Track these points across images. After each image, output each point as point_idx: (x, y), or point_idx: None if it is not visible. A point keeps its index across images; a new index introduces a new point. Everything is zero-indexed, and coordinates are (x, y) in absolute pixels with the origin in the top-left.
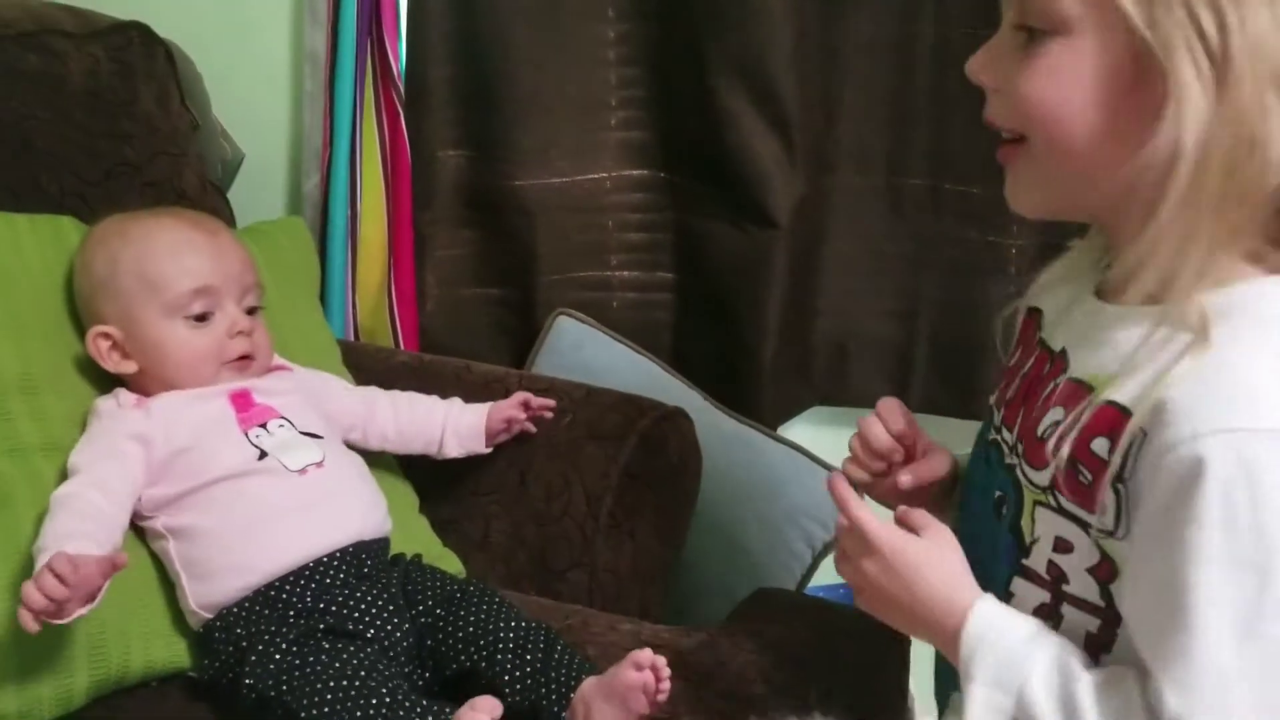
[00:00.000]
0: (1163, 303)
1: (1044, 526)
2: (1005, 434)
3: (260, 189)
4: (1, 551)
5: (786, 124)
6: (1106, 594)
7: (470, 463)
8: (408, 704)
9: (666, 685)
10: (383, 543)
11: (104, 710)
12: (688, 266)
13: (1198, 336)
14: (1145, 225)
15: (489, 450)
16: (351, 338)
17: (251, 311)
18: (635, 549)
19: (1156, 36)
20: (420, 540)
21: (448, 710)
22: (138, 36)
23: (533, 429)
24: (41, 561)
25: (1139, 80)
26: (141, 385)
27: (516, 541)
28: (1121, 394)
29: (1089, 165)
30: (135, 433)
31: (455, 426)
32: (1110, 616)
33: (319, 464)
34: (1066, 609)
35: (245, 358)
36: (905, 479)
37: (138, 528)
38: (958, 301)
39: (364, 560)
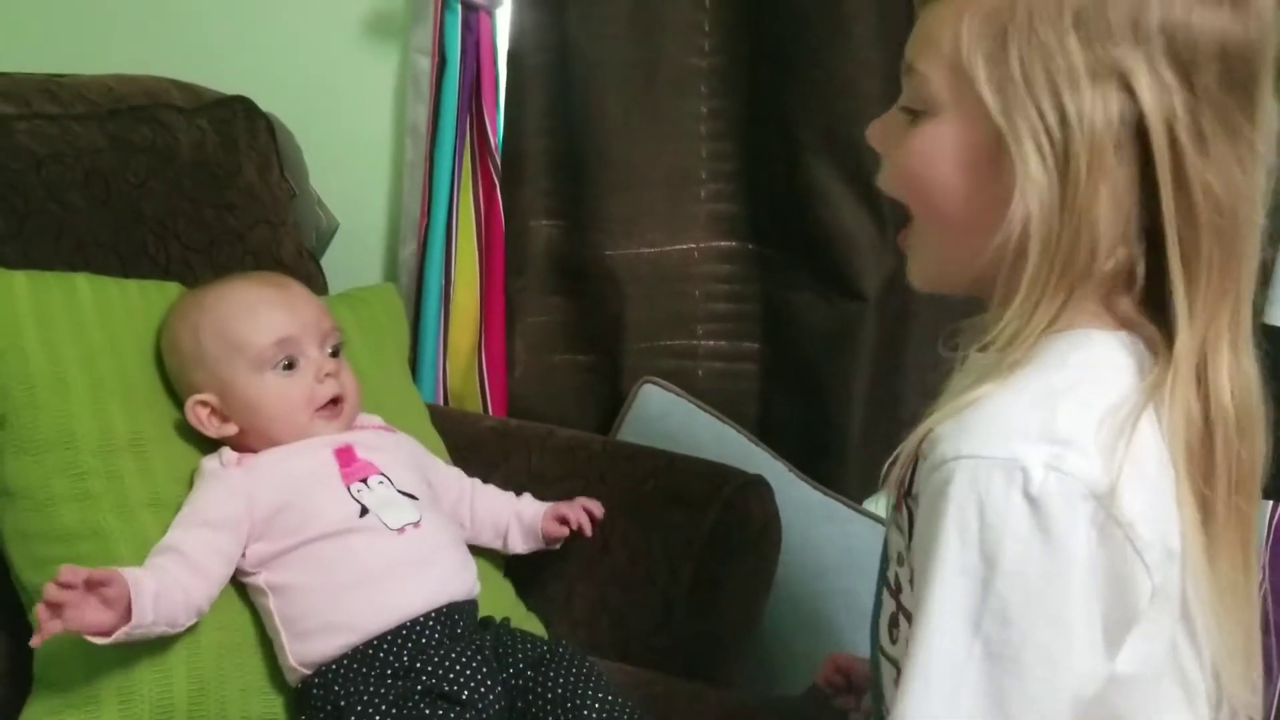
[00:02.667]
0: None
1: (894, 541)
2: None
3: (358, 256)
4: None
5: (877, 198)
6: None
7: None
8: None
9: None
10: (472, 604)
11: None
12: (774, 337)
13: (994, 376)
14: (1010, 292)
15: (555, 547)
16: (441, 402)
17: (335, 354)
18: (718, 616)
19: (1009, 125)
20: (505, 603)
21: None
22: (242, 110)
23: (588, 532)
24: None
25: (996, 161)
26: (245, 444)
27: (599, 606)
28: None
29: (960, 236)
30: (236, 491)
31: (518, 523)
32: None
33: (416, 524)
34: (902, 619)
35: (337, 400)
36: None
37: (239, 584)
38: None
39: (456, 621)
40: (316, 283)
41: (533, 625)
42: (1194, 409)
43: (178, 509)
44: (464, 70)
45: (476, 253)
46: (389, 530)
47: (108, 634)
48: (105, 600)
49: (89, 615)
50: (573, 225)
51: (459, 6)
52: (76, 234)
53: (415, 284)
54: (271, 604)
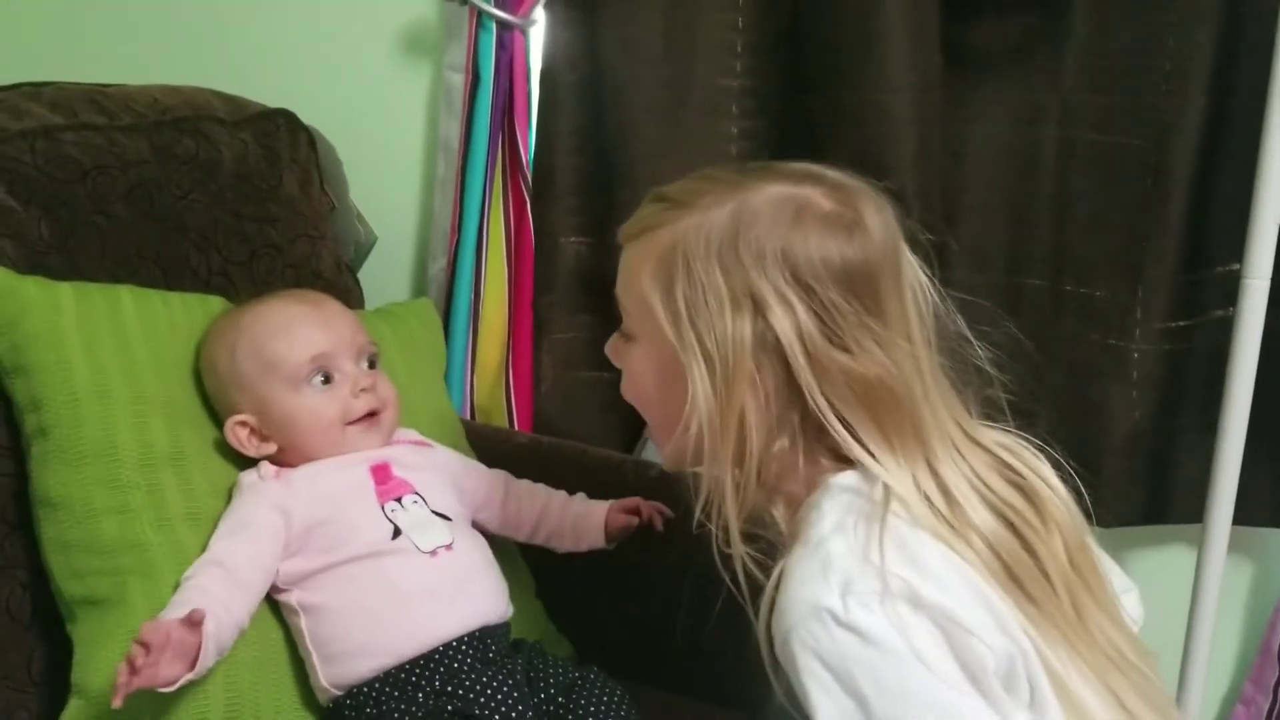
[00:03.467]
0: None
1: None
2: None
3: (388, 270)
4: (148, 619)
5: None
6: None
7: None
8: None
9: None
10: (505, 627)
11: None
12: None
13: (782, 557)
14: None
15: (611, 546)
16: (468, 416)
17: (371, 366)
18: (750, 642)
19: (682, 349)
20: (536, 625)
21: None
22: (284, 123)
23: (659, 525)
24: None
25: (680, 375)
26: (284, 462)
27: (629, 628)
28: None
29: (672, 434)
30: (274, 504)
31: (574, 522)
32: None
33: (448, 547)
34: None
35: (373, 413)
36: None
37: (273, 601)
38: (1076, 405)
39: (489, 645)
40: (354, 296)
41: (562, 648)
42: (940, 520)
43: (215, 523)
44: (497, 88)
45: (506, 268)
46: (421, 553)
47: (174, 684)
48: (180, 653)
49: (164, 670)
50: (601, 243)
51: (493, 25)
52: (120, 245)
53: (445, 299)
54: (303, 624)
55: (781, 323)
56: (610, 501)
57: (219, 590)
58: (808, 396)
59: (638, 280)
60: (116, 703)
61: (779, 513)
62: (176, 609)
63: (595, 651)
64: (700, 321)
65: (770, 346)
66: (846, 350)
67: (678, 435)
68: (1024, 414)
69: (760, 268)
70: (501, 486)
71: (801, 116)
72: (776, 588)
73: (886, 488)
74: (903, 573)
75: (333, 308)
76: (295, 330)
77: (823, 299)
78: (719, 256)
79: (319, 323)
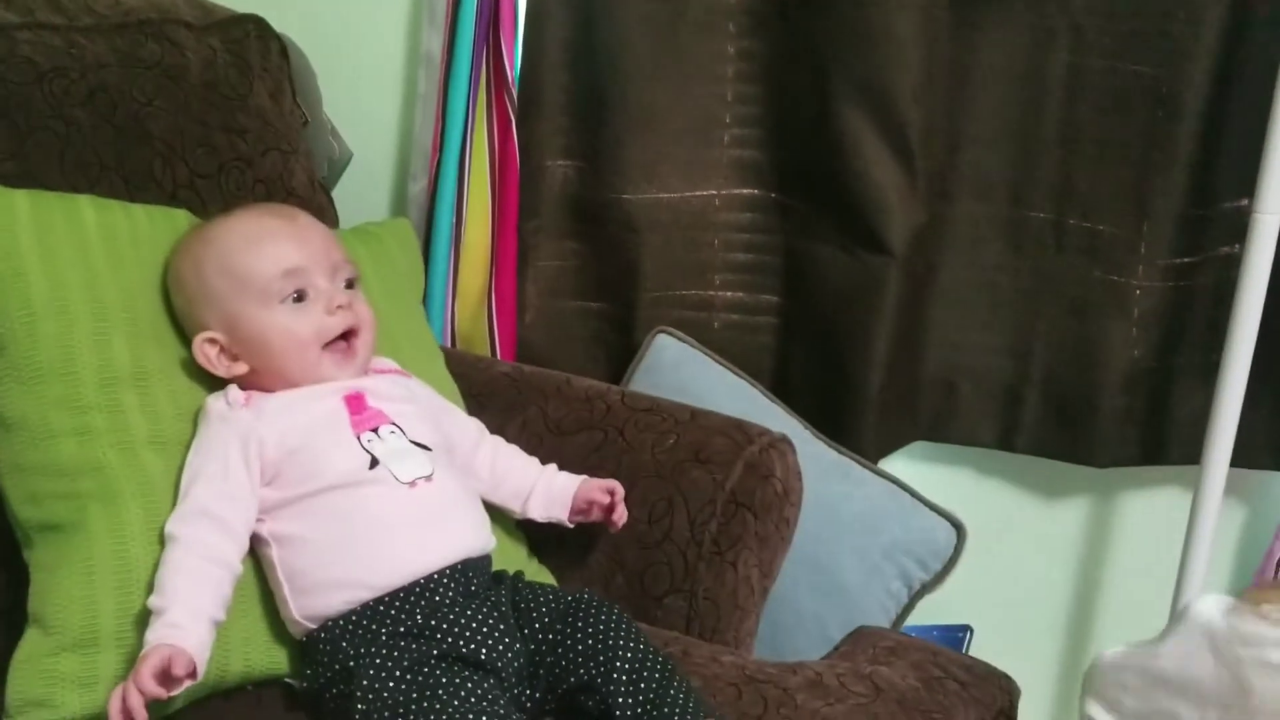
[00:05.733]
0: None
1: None
2: None
3: (366, 189)
4: (109, 546)
5: (909, 151)
6: None
7: None
8: None
9: None
10: (486, 560)
11: (200, 715)
12: (794, 290)
13: None
14: None
15: (571, 525)
16: (449, 344)
17: (349, 286)
18: (736, 578)
19: None
20: (517, 559)
21: None
22: (254, 29)
23: (616, 526)
24: (156, 632)
25: None
26: (256, 384)
27: (615, 563)
28: None
29: None
30: (245, 434)
31: (546, 487)
32: None
33: (428, 478)
34: None
35: (350, 334)
36: None
37: None
38: (1075, 342)
39: (471, 578)
40: (328, 215)
41: (545, 578)
42: None
43: (181, 447)
44: None
45: (489, 191)
46: (400, 483)
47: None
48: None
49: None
50: (590, 166)
51: None
52: (80, 153)
53: (425, 221)
54: (274, 554)
55: None
56: (583, 478)
57: (215, 543)
58: None
59: None
60: None
61: None
62: (171, 570)
63: (580, 586)
64: None
65: None
66: None
67: None
68: (1021, 350)
69: None
70: (475, 435)
71: (804, 36)
72: None
73: None
74: None
75: (306, 221)
76: (266, 244)
77: None
78: None
79: (292, 236)
